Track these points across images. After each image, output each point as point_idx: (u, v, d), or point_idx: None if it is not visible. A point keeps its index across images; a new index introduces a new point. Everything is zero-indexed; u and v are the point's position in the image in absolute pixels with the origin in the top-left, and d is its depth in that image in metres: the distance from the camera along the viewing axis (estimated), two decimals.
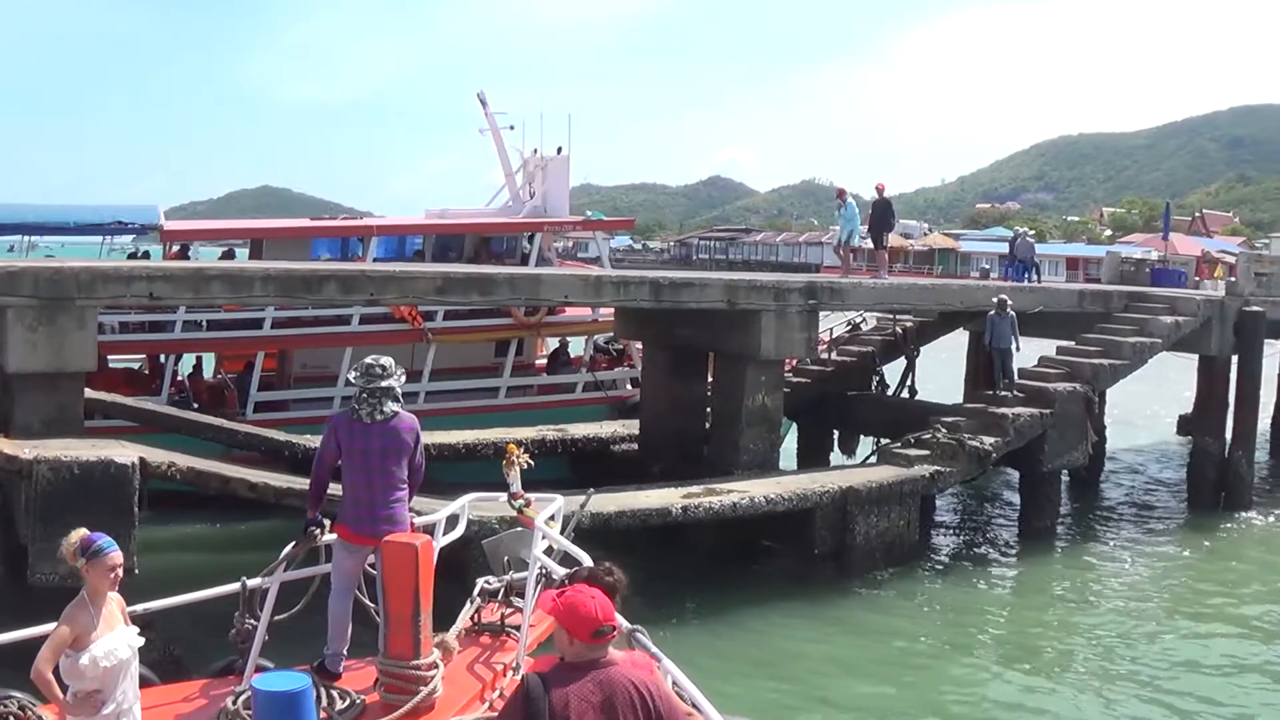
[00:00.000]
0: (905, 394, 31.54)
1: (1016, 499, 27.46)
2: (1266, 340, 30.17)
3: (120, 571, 7.40)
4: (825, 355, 31.39)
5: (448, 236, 31.99)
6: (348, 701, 8.85)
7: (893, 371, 31.96)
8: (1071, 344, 28.52)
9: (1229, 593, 22.85)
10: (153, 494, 17.55)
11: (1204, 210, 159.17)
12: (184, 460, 18.33)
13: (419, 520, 10.18)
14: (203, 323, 27.72)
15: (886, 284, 27.69)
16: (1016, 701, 16.80)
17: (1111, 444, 32.98)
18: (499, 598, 10.82)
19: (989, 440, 24.57)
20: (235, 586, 9.78)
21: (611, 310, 28.19)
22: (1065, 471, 27.28)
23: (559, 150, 32.42)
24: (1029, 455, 25.64)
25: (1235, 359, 29.77)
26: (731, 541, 22.07)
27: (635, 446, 27.28)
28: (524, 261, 30.88)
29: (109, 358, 26.29)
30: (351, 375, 9.65)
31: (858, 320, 33.90)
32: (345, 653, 9.61)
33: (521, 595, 10.32)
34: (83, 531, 7.46)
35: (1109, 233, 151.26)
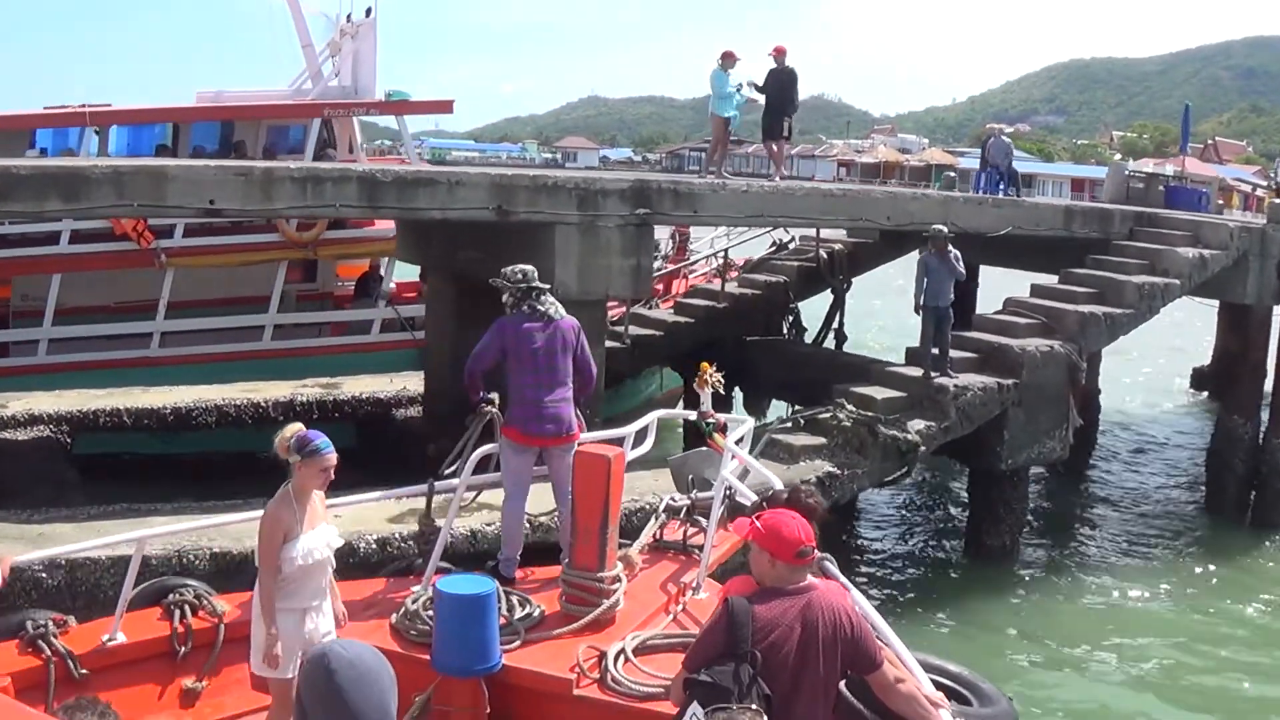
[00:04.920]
0: (831, 342, 22.73)
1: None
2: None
3: (332, 473, 7.14)
4: (716, 286, 22.71)
5: (214, 126, 23.22)
6: (528, 609, 8.33)
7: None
8: (1053, 282, 19.65)
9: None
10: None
11: (1216, 138, 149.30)
12: None
13: (608, 433, 9.96)
14: None
15: (767, 189, 18.16)
16: None
17: (1104, 411, 24.14)
18: (682, 516, 10.12)
19: (917, 426, 15.93)
20: (422, 487, 9.68)
21: None
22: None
23: (367, 12, 23.12)
24: (981, 446, 17.11)
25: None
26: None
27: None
28: (324, 159, 22.10)
29: None
30: (502, 281, 9.37)
31: (786, 240, 24.95)
32: (519, 558, 9.28)
33: (705, 515, 9.47)
34: (298, 426, 7.19)
35: (1119, 156, 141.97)
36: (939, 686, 6.32)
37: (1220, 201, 28.99)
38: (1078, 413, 17.98)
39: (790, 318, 22.76)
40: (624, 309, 21.35)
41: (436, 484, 9.87)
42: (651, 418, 10.65)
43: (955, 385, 16.42)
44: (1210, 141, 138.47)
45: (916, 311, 17.25)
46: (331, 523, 7.49)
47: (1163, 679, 14.26)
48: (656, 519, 10.11)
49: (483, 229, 15.75)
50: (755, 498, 8.11)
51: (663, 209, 16.13)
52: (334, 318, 22.77)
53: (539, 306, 9.21)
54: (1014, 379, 16.88)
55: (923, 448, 15.87)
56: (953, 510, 20.10)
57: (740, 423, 10.86)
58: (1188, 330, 34.34)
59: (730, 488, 9.22)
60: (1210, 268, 19.54)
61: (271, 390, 18.74)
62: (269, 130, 23.38)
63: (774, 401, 22.40)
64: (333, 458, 7.10)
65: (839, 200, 18.18)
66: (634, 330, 20.91)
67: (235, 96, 23.47)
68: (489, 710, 7.46)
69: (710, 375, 11.18)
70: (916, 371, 17.03)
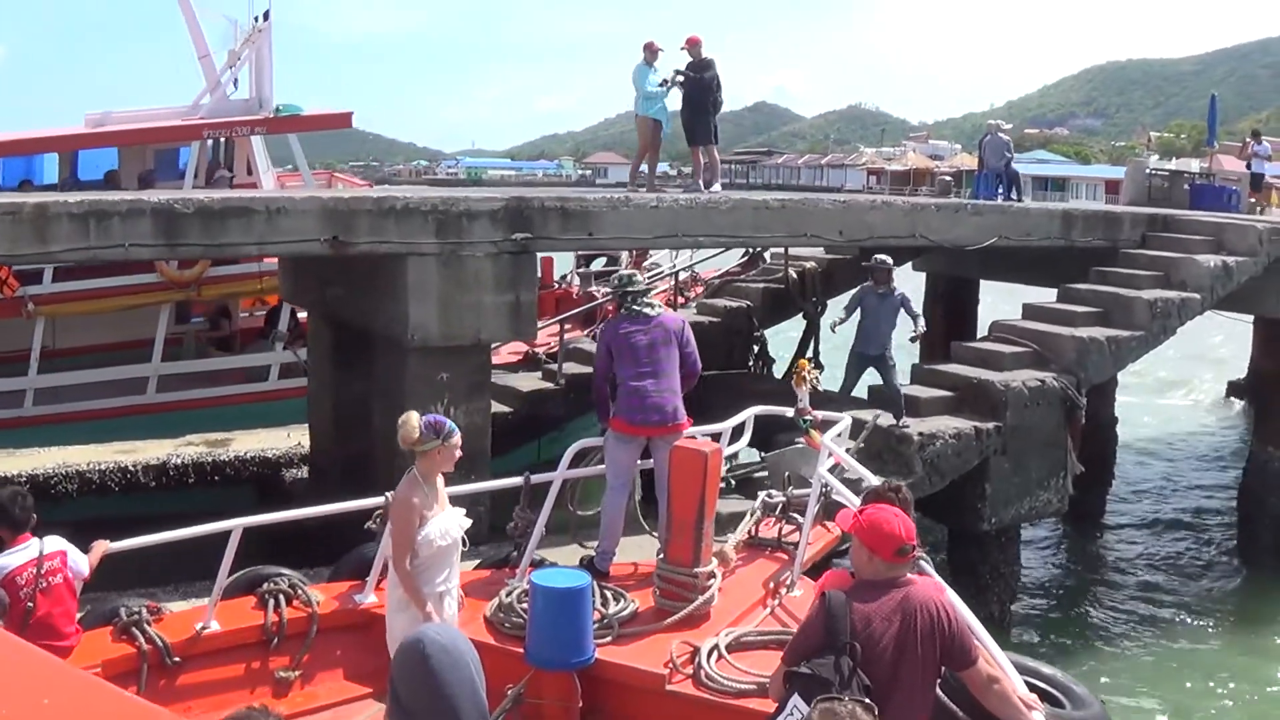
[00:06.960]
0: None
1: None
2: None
3: (459, 453, 7.09)
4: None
5: (106, 153, 20.35)
6: (622, 604, 8.16)
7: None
8: (1050, 300, 16.52)
9: None
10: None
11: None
12: None
13: (705, 428, 9.51)
14: None
15: (682, 203, 14.57)
16: None
17: (1123, 444, 20.89)
18: (778, 513, 9.84)
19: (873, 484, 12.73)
20: (518, 480, 9.25)
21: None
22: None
23: (264, 16, 19.87)
24: (959, 504, 14.09)
25: None
26: None
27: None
28: (217, 183, 19.20)
29: None
30: (602, 290, 9.70)
31: (757, 250, 21.74)
32: (615, 552, 9.10)
33: (801, 512, 9.36)
34: (416, 415, 7.04)
35: (1156, 157, 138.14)
36: (1031, 688, 6.08)
37: (1252, 200, 25.77)
38: (1078, 457, 14.86)
39: (755, 348, 19.67)
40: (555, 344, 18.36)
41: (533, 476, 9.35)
42: (749, 414, 10.65)
43: (921, 434, 13.34)
44: (1249, 139, 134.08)
45: (833, 330, 14.55)
46: (456, 508, 7.29)
47: None
48: (752, 515, 9.92)
49: (342, 264, 12.80)
50: (852, 496, 8.06)
51: (547, 232, 12.93)
52: (219, 365, 19.81)
53: (636, 307, 9.08)
54: (997, 421, 13.90)
55: None
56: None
57: (836, 420, 10.63)
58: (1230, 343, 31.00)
59: (826, 485, 9.09)
60: (1236, 277, 16.38)
61: (146, 451, 16.11)
62: (155, 155, 20.48)
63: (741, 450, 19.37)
64: (458, 439, 7.03)
65: (776, 213, 14.75)
66: (570, 368, 17.79)
67: (124, 118, 20.37)
68: (581, 704, 7.34)
69: (808, 372, 10.67)
70: (882, 418, 13.96)
